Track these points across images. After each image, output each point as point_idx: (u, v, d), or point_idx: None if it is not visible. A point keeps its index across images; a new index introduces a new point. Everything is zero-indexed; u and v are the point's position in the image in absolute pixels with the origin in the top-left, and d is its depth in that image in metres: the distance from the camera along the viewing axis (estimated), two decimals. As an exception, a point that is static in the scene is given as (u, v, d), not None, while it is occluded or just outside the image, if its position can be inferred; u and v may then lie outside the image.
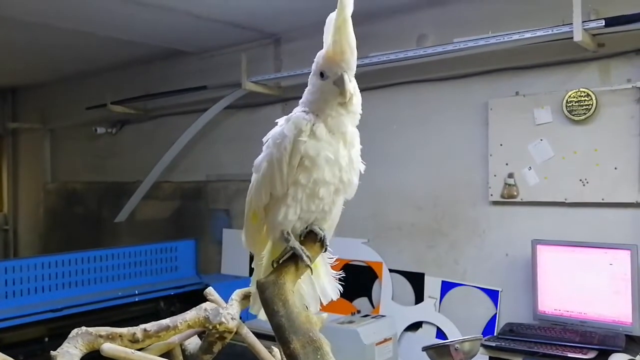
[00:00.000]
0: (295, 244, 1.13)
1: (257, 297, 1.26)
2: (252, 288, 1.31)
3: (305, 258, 1.11)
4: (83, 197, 6.02)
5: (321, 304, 1.25)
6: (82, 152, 6.08)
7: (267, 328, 1.62)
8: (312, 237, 1.16)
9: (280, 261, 1.15)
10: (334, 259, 1.26)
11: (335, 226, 1.23)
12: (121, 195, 5.34)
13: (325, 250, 1.18)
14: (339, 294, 1.25)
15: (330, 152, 1.07)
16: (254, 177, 1.19)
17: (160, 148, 4.90)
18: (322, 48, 1.10)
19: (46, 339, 3.19)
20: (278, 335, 1.02)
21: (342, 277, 1.25)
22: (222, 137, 4.77)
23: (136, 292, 3.61)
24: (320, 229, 1.16)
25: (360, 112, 1.12)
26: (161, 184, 5.14)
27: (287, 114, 1.16)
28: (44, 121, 6.38)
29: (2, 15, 3.77)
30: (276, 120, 1.17)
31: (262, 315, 1.27)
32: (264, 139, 1.16)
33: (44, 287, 3.27)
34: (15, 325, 3.07)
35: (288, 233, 1.13)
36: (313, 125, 1.07)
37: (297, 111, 1.11)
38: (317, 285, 1.24)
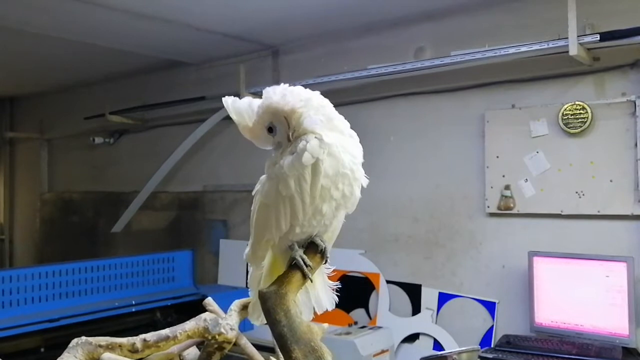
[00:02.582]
0: (298, 255, 1.14)
1: (256, 306, 1.26)
2: (252, 297, 1.31)
3: (306, 270, 1.12)
4: (80, 207, 6.01)
5: (315, 313, 1.25)
6: (79, 162, 6.08)
7: (265, 339, 1.62)
8: (313, 248, 1.17)
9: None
10: (331, 269, 1.26)
11: (334, 238, 1.24)
12: (118, 206, 5.33)
13: (325, 262, 1.19)
14: (335, 304, 1.25)
15: (342, 166, 1.07)
16: (264, 205, 1.13)
17: (157, 158, 4.90)
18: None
19: (42, 350, 3.16)
20: (280, 344, 1.03)
21: (339, 287, 1.25)
22: (220, 148, 4.78)
23: (133, 302, 3.59)
24: (322, 241, 1.17)
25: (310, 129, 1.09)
26: (158, 194, 5.14)
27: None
28: (41, 131, 6.39)
29: (1, 25, 3.78)
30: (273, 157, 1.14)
31: (257, 322, 1.27)
32: (271, 171, 1.12)
33: (40, 297, 3.24)
34: (11, 336, 3.04)
35: (292, 243, 1.14)
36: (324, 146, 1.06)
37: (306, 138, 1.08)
38: (311, 294, 1.24)
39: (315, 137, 1.06)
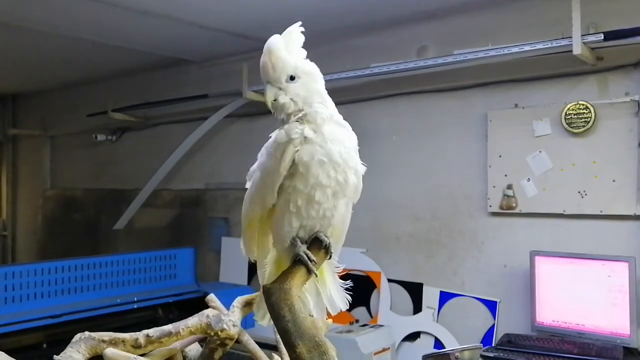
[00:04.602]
0: (301, 250, 1.14)
1: (261, 303, 1.27)
2: (258, 294, 1.31)
3: (310, 265, 1.12)
4: (82, 204, 6.03)
5: (328, 314, 1.26)
6: (81, 159, 6.09)
7: (268, 336, 1.62)
8: (317, 244, 1.17)
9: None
10: (341, 268, 1.26)
11: (344, 234, 1.24)
12: (120, 203, 5.34)
13: (330, 257, 1.19)
14: (348, 304, 1.25)
15: (323, 155, 1.10)
16: (248, 187, 1.23)
17: (160, 156, 4.91)
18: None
19: (44, 345, 3.18)
20: (284, 339, 1.04)
21: (350, 286, 1.25)
22: (222, 145, 4.79)
23: (135, 299, 3.60)
24: (326, 236, 1.17)
25: (317, 110, 1.14)
26: (160, 192, 5.15)
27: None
28: (44, 128, 6.40)
29: (3, 22, 3.79)
30: (270, 135, 1.19)
31: (263, 322, 1.28)
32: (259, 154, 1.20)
33: (43, 293, 3.26)
34: (13, 331, 3.06)
35: (294, 239, 1.15)
36: (303, 131, 1.10)
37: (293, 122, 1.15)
38: (324, 295, 1.24)
39: (296, 120, 1.12)
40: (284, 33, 1.15)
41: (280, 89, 1.12)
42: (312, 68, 1.16)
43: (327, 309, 1.25)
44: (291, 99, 1.12)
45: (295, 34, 1.14)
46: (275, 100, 1.12)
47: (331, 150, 1.10)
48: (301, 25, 1.15)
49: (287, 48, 1.13)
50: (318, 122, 1.11)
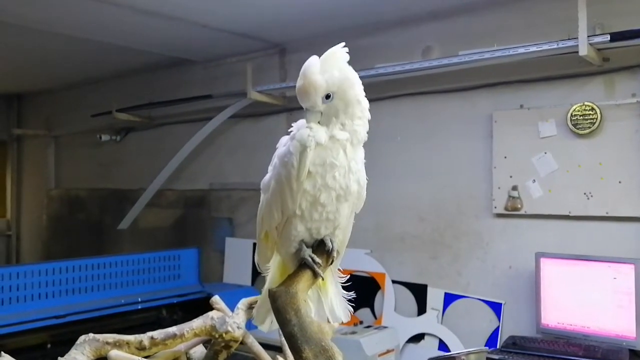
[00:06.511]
0: (307, 254, 1.13)
1: (261, 308, 1.26)
2: (259, 297, 1.30)
3: (316, 268, 1.12)
4: (86, 203, 6.03)
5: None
6: (86, 159, 6.10)
7: (272, 338, 1.62)
8: (322, 248, 1.17)
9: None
10: (345, 278, 1.25)
11: (345, 245, 1.24)
12: (124, 203, 5.35)
13: (331, 262, 1.18)
14: (350, 315, 1.24)
15: (333, 157, 1.10)
16: (263, 197, 1.20)
17: (164, 156, 4.91)
18: None
19: (49, 346, 3.18)
20: (290, 344, 1.03)
21: (354, 298, 1.24)
22: (226, 146, 4.79)
23: (139, 299, 3.60)
24: (331, 241, 1.16)
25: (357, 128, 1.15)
26: (164, 192, 5.15)
27: (291, 124, 1.19)
28: (48, 128, 6.41)
29: (8, 22, 3.80)
30: (277, 145, 1.18)
31: (264, 327, 1.27)
32: (271, 166, 1.18)
33: (47, 293, 3.27)
34: (17, 332, 3.06)
35: (300, 244, 1.14)
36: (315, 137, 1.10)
37: (302, 127, 1.14)
38: (325, 305, 1.23)
39: (307, 127, 1.11)
40: (325, 53, 1.12)
41: (321, 113, 1.13)
42: (346, 74, 1.14)
43: (327, 318, 1.23)
44: (333, 117, 1.13)
45: (334, 53, 1.12)
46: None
47: (340, 155, 1.11)
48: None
49: (323, 67, 1.11)
50: (353, 143, 1.13)
